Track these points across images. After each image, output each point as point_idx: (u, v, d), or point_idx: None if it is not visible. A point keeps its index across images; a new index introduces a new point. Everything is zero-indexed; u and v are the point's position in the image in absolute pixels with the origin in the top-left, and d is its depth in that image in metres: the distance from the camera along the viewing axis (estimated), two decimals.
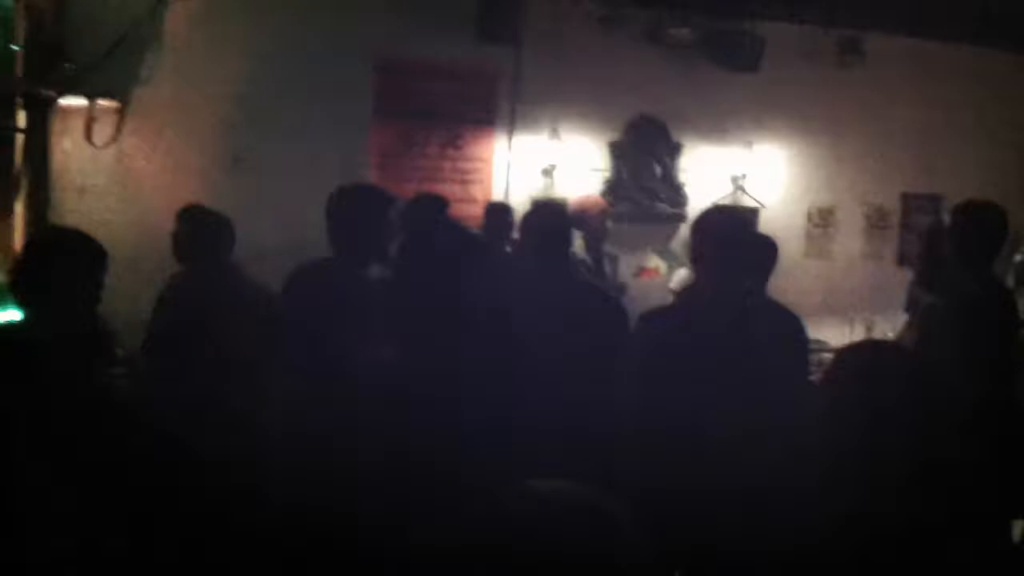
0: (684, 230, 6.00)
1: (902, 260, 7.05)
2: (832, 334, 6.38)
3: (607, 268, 5.28)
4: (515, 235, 4.71)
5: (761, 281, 3.96)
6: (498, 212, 5.43)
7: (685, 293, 3.18)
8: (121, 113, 5.22)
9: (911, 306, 4.94)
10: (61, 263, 2.64)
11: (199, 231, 3.99)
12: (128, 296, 3.69)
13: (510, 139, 6.25)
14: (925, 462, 1.75)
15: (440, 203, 4.14)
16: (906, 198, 7.27)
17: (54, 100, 5.01)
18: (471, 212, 6.00)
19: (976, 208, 3.62)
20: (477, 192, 6.17)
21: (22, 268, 2.68)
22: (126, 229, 4.96)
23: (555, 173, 6.31)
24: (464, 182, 6.14)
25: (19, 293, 2.62)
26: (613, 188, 6.43)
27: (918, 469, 1.74)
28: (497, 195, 6.21)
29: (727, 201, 6.67)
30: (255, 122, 5.51)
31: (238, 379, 3.49)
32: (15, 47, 4.92)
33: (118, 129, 5.24)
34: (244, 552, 3.24)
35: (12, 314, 2.78)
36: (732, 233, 3.07)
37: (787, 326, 3.60)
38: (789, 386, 2.97)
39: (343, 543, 2.76)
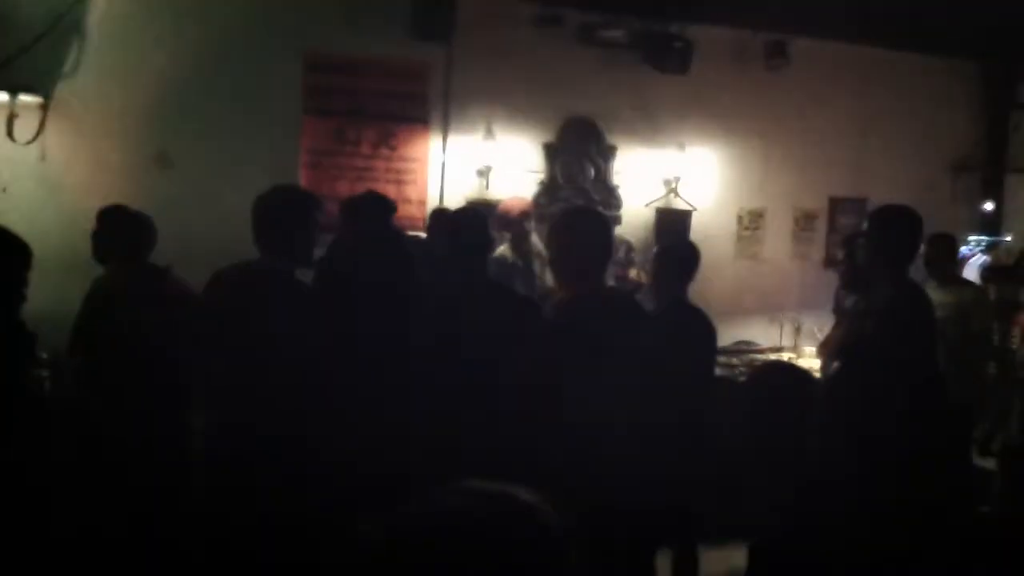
0: (618, 231, 6.05)
1: (829, 262, 7.23)
2: (761, 334, 6.54)
3: (536, 268, 5.30)
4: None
5: (682, 283, 4.04)
6: (440, 217, 5.40)
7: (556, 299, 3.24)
8: (44, 109, 5.07)
9: (837, 307, 5.09)
10: None
11: (118, 231, 3.91)
12: (55, 297, 3.60)
13: (444, 139, 6.23)
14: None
15: (387, 205, 4.12)
16: (833, 201, 7.44)
17: None
18: (406, 212, 5.97)
19: (889, 213, 3.74)
20: (411, 192, 6.14)
21: None
22: (50, 228, 4.82)
23: (490, 174, 6.29)
24: (398, 182, 6.10)
25: None
26: (548, 189, 6.46)
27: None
28: (432, 196, 6.19)
29: (660, 203, 6.76)
30: (183, 119, 5.42)
31: (161, 380, 3.45)
32: None
33: (41, 125, 5.09)
34: (175, 548, 3.21)
35: None
36: (578, 233, 3.11)
37: (691, 327, 3.74)
38: (680, 382, 3.06)
39: (272, 538, 2.76)
